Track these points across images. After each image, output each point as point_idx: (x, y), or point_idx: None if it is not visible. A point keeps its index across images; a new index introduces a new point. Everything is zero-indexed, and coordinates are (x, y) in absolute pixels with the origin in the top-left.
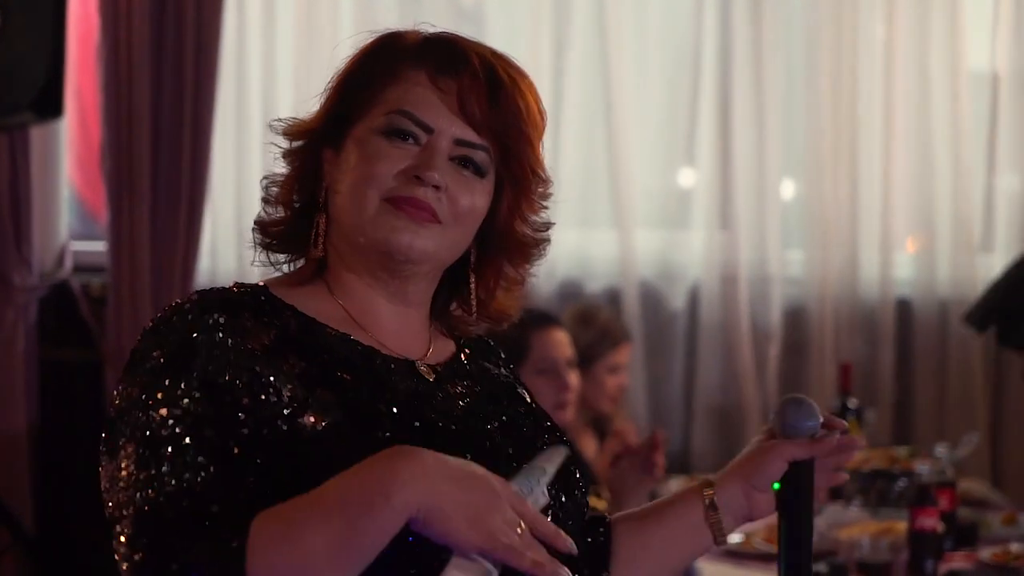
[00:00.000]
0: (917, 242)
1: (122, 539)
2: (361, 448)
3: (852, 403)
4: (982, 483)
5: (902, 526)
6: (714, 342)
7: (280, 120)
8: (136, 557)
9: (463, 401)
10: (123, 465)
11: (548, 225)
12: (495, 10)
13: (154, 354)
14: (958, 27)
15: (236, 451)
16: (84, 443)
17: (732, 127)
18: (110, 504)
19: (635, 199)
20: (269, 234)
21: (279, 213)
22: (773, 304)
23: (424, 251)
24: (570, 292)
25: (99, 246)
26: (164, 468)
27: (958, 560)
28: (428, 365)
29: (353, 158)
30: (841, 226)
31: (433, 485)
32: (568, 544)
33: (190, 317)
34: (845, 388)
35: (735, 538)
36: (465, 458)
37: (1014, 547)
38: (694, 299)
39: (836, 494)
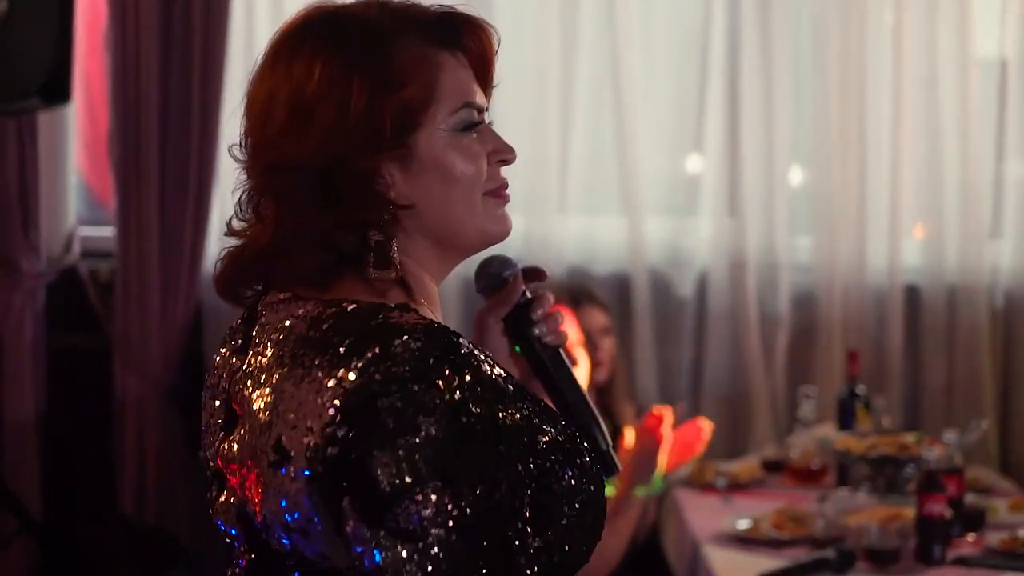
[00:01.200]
0: (926, 229)
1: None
2: (579, 448)
3: (860, 389)
4: (990, 469)
5: (910, 512)
6: (722, 329)
7: (290, 147)
8: None
9: None
10: (440, 548)
11: None
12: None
13: (428, 420)
14: (967, 13)
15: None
16: (91, 429)
17: (740, 114)
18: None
19: (643, 186)
20: (315, 272)
21: (327, 247)
22: (781, 291)
23: (511, 224)
24: (578, 278)
25: (107, 232)
26: (493, 551)
27: (966, 546)
28: None
29: (439, 166)
30: (849, 213)
31: None
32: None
33: (443, 368)
34: (853, 374)
35: (743, 523)
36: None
37: (1022, 533)
38: (703, 286)
39: (844, 480)
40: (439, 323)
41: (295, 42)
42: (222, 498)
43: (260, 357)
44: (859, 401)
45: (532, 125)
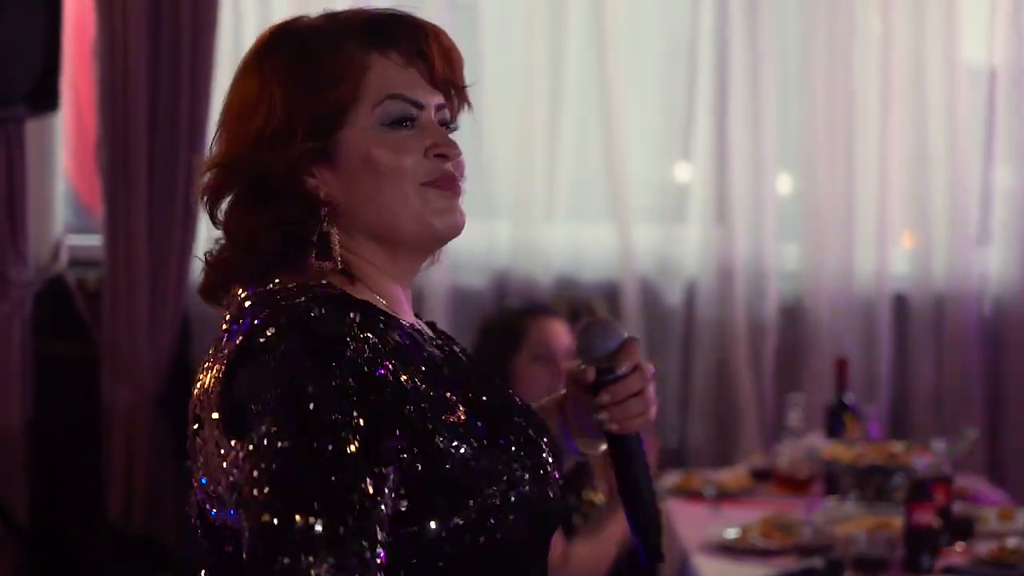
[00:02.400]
0: (913, 237)
1: (289, 559)
2: (512, 450)
3: (849, 398)
4: (979, 478)
5: (898, 521)
6: (710, 337)
7: (222, 161)
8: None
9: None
10: (272, 450)
11: None
12: (491, 3)
13: (293, 343)
14: (955, 20)
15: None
16: (79, 436)
17: (728, 122)
18: (253, 492)
19: (631, 194)
20: (253, 272)
21: (266, 251)
22: (769, 299)
23: (465, 221)
24: (566, 286)
25: (95, 240)
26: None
27: (955, 556)
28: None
29: (366, 161)
30: (837, 221)
31: None
32: None
33: (327, 318)
34: (842, 383)
35: (732, 533)
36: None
37: (1011, 542)
38: (691, 294)
39: (832, 489)
40: (347, 294)
41: (250, 57)
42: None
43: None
44: (848, 410)
45: (519, 133)
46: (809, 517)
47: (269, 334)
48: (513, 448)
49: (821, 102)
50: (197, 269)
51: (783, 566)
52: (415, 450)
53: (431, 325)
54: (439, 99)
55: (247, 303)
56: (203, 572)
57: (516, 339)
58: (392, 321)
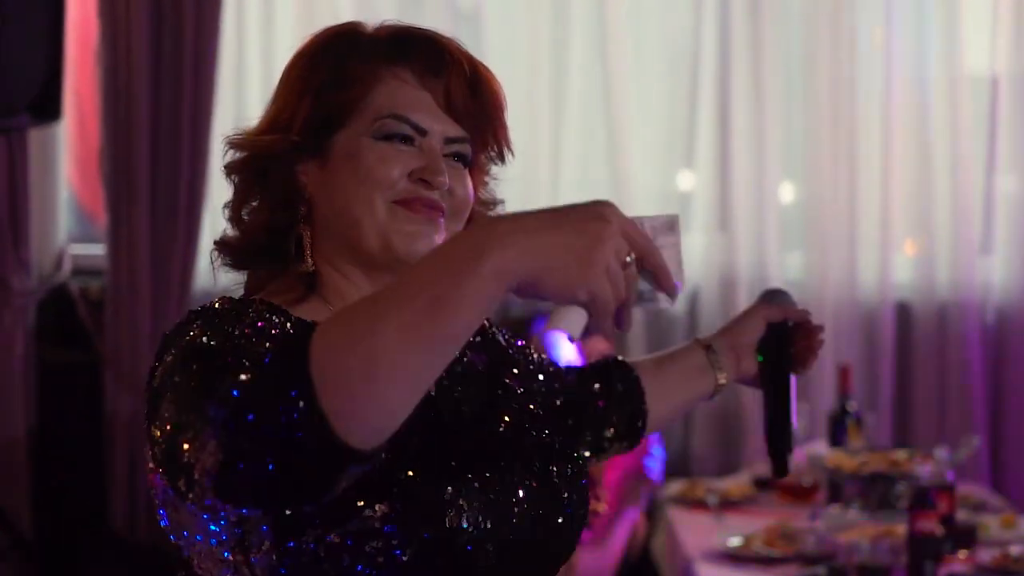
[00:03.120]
0: (916, 245)
1: (189, 444)
2: (412, 472)
3: (851, 406)
4: (981, 486)
5: (901, 529)
6: None
7: (235, 137)
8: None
9: (472, 405)
10: (175, 377)
11: (496, 202)
12: (494, 12)
13: (207, 332)
14: (957, 29)
15: None
16: (82, 446)
17: (731, 130)
18: (168, 428)
19: (635, 202)
20: (241, 254)
21: (250, 234)
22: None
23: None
24: None
25: (97, 249)
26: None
27: (957, 563)
28: None
29: (350, 165)
30: (840, 228)
31: (535, 237)
32: (673, 285)
33: (232, 315)
34: (844, 391)
35: (735, 541)
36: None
37: (1013, 550)
38: (694, 302)
39: (835, 497)
40: (264, 303)
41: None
42: None
43: None
44: (850, 417)
45: (523, 143)
46: (812, 525)
47: (180, 333)
48: (415, 474)
49: (824, 111)
50: (200, 278)
51: (786, 574)
52: None
53: None
54: (453, 130)
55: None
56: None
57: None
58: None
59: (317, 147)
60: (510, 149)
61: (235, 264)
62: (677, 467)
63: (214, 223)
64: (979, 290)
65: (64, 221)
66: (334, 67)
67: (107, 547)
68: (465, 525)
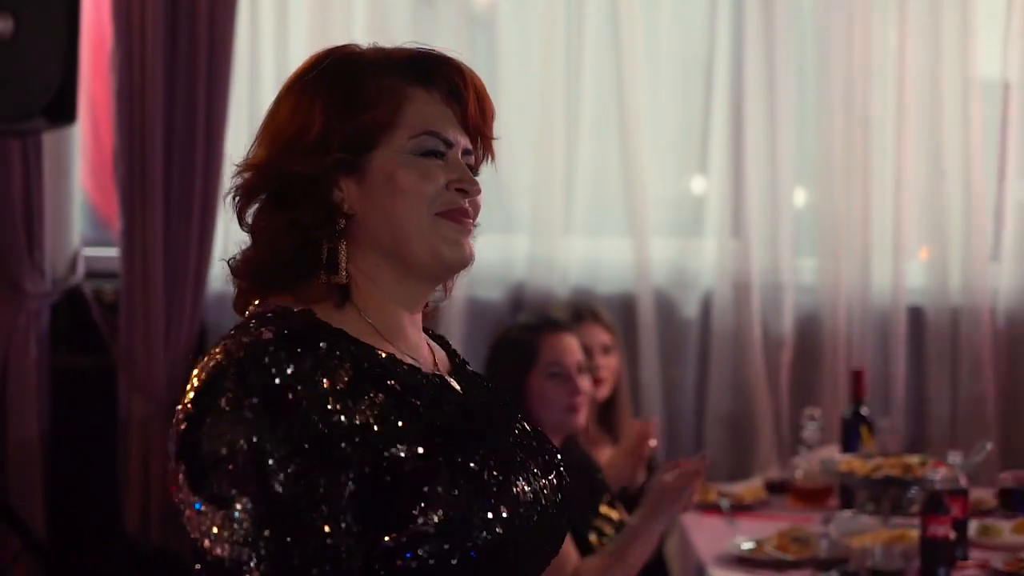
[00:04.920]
0: (929, 250)
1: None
2: (460, 473)
3: (864, 411)
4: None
5: (914, 534)
6: (726, 350)
7: (257, 160)
8: None
9: (490, 411)
10: (244, 524)
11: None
12: (508, 18)
13: (248, 402)
14: (969, 35)
15: (348, 496)
16: (96, 448)
17: (744, 135)
18: (215, 556)
19: (648, 207)
20: (272, 272)
21: (283, 252)
22: (785, 312)
23: (473, 256)
24: (582, 299)
25: (111, 252)
26: (296, 536)
27: (970, 568)
28: (446, 375)
29: (392, 182)
30: (853, 234)
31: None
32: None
33: (280, 358)
34: (857, 396)
35: (748, 545)
36: (546, 472)
37: None
38: (707, 306)
39: (848, 501)
40: (312, 324)
41: (295, 76)
42: None
43: None
44: (863, 422)
45: (537, 147)
46: (825, 529)
47: (227, 387)
48: (463, 483)
49: (837, 116)
50: (214, 281)
51: None
52: (358, 483)
53: (445, 346)
54: (467, 142)
55: (236, 324)
56: None
57: (529, 357)
58: (362, 352)
59: (355, 165)
60: (493, 158)
61: (264, 281)
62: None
63: (227, 226)
64: (991, 295)
65: (78, 224)
66: (361, 86)
67: (120, 550)
68: (500, 530)
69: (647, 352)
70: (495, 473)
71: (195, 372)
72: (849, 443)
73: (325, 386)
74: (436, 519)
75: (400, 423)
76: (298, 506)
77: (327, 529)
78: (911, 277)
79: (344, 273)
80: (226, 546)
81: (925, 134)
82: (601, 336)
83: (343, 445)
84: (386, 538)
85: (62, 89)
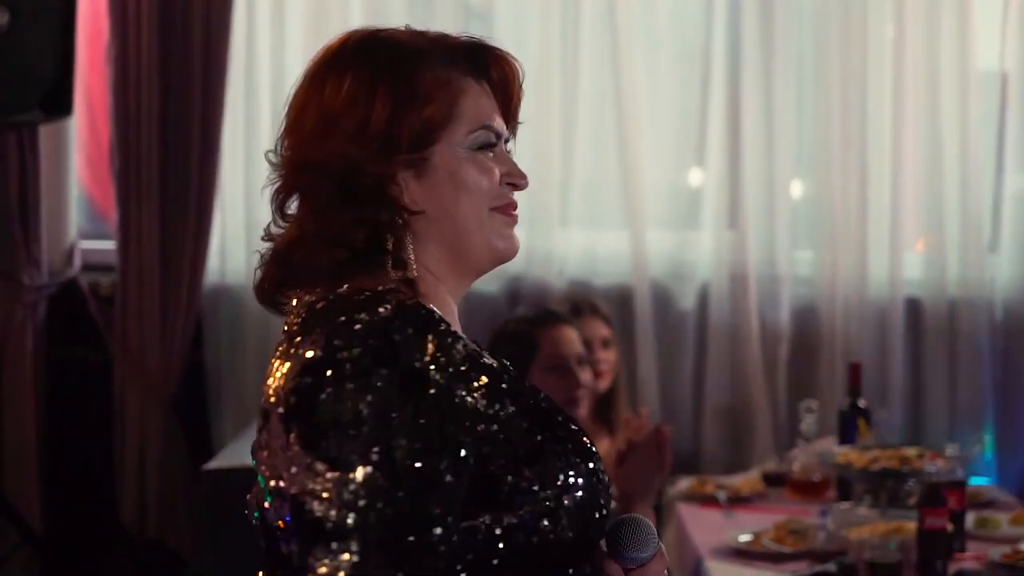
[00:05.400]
0: (927, 242)
1: (352, 558)
2: (557, 443)
3: (862, 403)
4: (991, 483)
5: (911, 526)
6: (724, 341)
7: (307, 164)
8: None
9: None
10: (359, 490)
11: None
12: (504, 9)
13: (378, 371)
14: (967, 27)
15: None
16: (92, 441)
17: (742, 127)
18: (318, 515)
19: (645, 199)
20: (337, 268)
21: (345, 247)
22: (782, 304)
23: (519, 247)
24: (579, 292)
25: (108, 245)
26: (406, 513)
27: (967, 560)
28: None
29: (453, 178)
30: (850, 226)
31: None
32: None
33: (407, 334)
34: (855, 388)
35: (745, 537)
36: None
37: None
38: (704, 298)
39: (845, 493)
40: (420, 303)
41: (331, 60)
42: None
43: (274, 353)
44: (861, 414)
45: (534, 139)
46: (822, 522)
47: (354, 354)
48: (567, 455)
49: (834, 108)
50: (210, 274)
51: (796, 571)
52: (476, 461)
53: None
54: (506, 131)
55: (319, 305)
56: (260, 573)
57: (529, 350)
58: (455, 335)
59: (416, 158)
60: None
61: (326, 275)
62: (686, 463)
63: (224, 219)
64: (988, 287)
65: (74, 216)
66: (420, 77)
67: (116, 542)
68: (602, 501)
69: (644, 344)
70: (570, 440)
71: (301, 351)
72: (846, 435)
73: (450, 367)
74: (551, 492)
75: (503, 402)
76: (417, 483)
77: (438, 512)
78: (909, 269)
79: (414, 269)
80: (333, 509)
81: (923, 126)
82: (600, 330)
83: (467, 424)
84: (512, 519)
85: (58, 82)
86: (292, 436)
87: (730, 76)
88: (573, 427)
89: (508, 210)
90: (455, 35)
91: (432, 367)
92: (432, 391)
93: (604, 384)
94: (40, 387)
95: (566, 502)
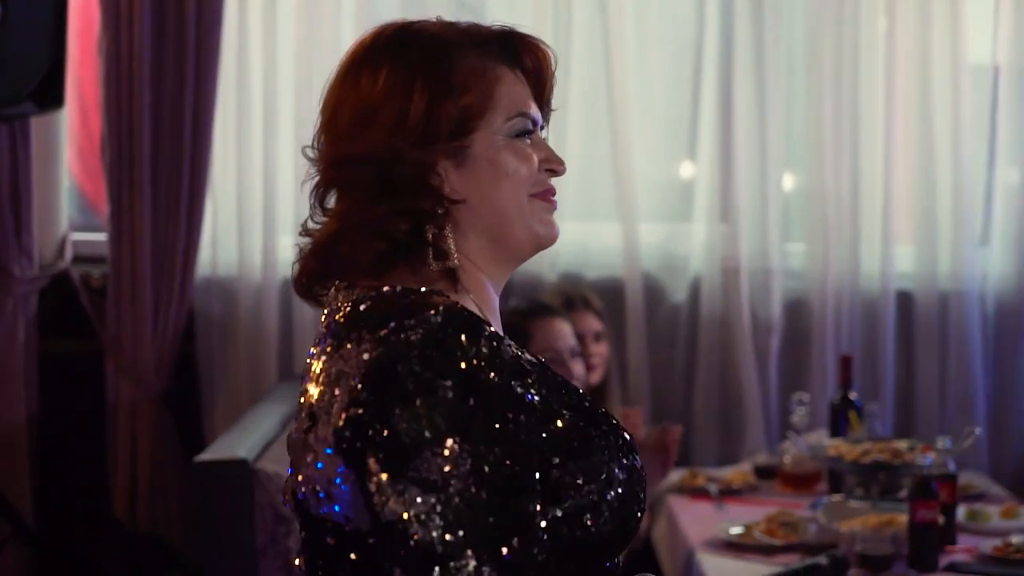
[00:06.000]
0: (917, 235)
1: (471, 571)
2: (600, 437)
3: (853, 395)
4: (982, 476)
5: (903, 518)
6: (715, 334)
7: (348, 158)
8: None
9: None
10: (459, 508)
11: None
12: (496, 5)
13: (442, 384)
14: (959, 19)
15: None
16: (84, 433)
17: (733, 120)
18: (421, 540)
19: (637, 192)
20: (378, 260)
21: (386, 239)
22: (774, 296)
23: (559, 234)
24: (571, 284)
25: (99, 237)
26: (510, 521)
27: (958, 553)
28: None
29: (492, 166)
30: (842, 219)
31: None
32: None
33: (461, 341)
34: (846, 381)
35: (736, 529)
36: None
37: (1015, 540)
38: (695, 291)
39: (837, 486)
40: (464, 307)
41: (365, 55)
42: (285, 479)
43: (315, 346)
44: (852, 407)
45: None
46: (813, 514)
47: (415, 369)
48: (610, 450)
49: (826, 101)
50: (202, 266)
51: (787, 563)
52: (528, 453)
53: None
54: (541, 117)
55: (364, 306)
56: (298, 560)
57: (521, 342)
58: (498, 335)
59: (455, 148)
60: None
61: (367, 268)
62: (678, 456)
63: (215, 211)
64: (980, 280)
65: (66, 209)
66: (456, 67)
67: (108, 534)
68: (642, 496)
69: (636, 337)
70: (613, 433)
71: (352, 356)
72: (838, 428)
73: (505, 368)
74: (597, 488)
75: (552, 398)
76: (510, 490)
77: (532, 510)
78: (900, 262)
79: (455, 258)
80: (437, 531)
81: (914, 119)
82: (592, 323)
83: (531, 422)
84: (558, 512)
85: (50, 74)
86: (371, 462)
87: (722, 69)
88: (613, 422)
89: (547, 196)
90: (486, 24)
91: (489, 369)
92: (494, 392)
93: (596, 378)
94: (31, 379)
95: (608, 496)
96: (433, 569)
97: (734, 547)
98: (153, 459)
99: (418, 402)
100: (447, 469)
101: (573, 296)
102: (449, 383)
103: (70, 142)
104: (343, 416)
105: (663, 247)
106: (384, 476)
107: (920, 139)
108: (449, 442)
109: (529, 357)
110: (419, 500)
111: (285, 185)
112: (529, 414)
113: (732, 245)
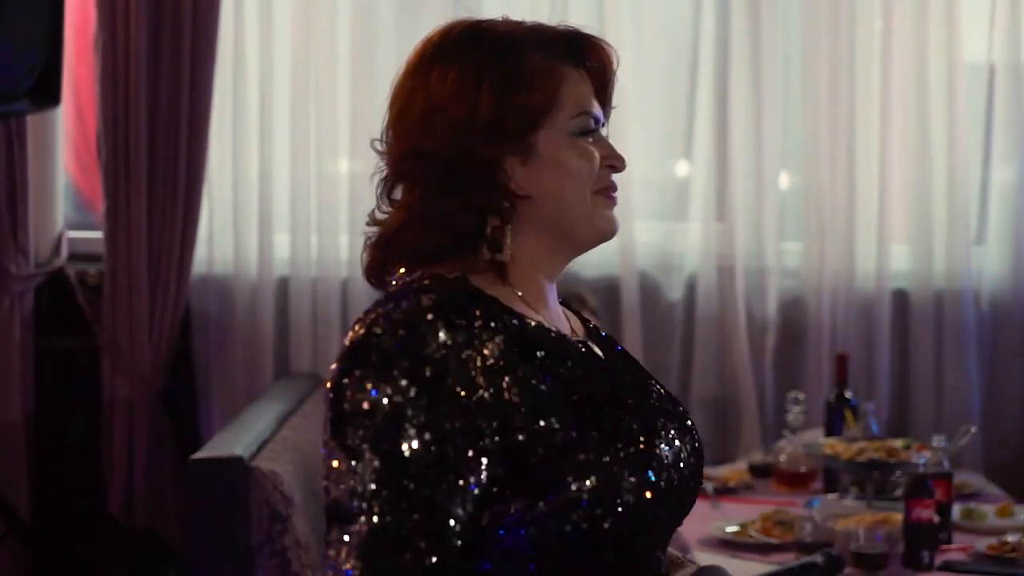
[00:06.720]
0: (913, 234)
1: (360, 539)
2: (610, 440)
3: (848, 394)
4: (977, 474)
5: (898, 517)
6: (711, 333)
7: (418, 154)
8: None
9: (628, 375)
10: (367, 477)
11: None
12: (493, 4)
13: (399, 363)
14: (955, 19)
15: (484, 473)
16: (80, 431)
17: (729, 119)
18: (333, 498)
19: (633, 190)
20: (434, 252)
21: (449, 232)
22: (770, 295)
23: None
24: (567, 282)
25: (95, 235)
26: (412, 504)
27: (954, 551)
28: (584, 341)
29: (557, 163)
30: (837, 218)
31: None
32: None
33: (436, 327)
34: (841, 379)
35: (731, 528)
36: (683, 435)
37: (1010, 538)
38: (691, 290)
39: (832, 484)
40: (465, 293)
41: (434, 52)
42: None
43: None
44: (847, 406)
45: None
46: (809, 513)
47: (383, 343)
48: (612, 449)
49: (822, 100)
50: (198, 264)
51: (783, 562)
52: (503, 449)
53: (576, 313)
54: (602, 116)
55: (390, 289)
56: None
57: None
58: (514, 321)
59: (521, 145)
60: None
61: (427, 258)
62: None
63: (212, 209)
64: (975, 280)
65: (61, 206)
66: (523, 66)
67: (105, 532)
68: (648, 495)
69: (631, 335)
70: (641, 438)
71: (353, 328)
72: (833, 426)
73: (476, 361)
74: (588, 485)
75: (549, 395)
76: (424, 475)
77: (444, 504)
78: (896, 261)
79: (508, 252)
80: (344, 494)
81: (911, 117)
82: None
83: (483, 423)
84: (540, 504)
85: (46, 72)
86: (327, 430)
87: (718, 67)
88: (637, 419)
89: (608, 192)
90: (552, 24)
91: (451, 359)
92: (452, 383)
93: None
94: (28, 377)
95: (604, 493)
96: (333, 527)
97: (730, 545)
98: (149, 456)
99: (370, 374)
100: (368, 441)
101: (569, 295)
102: (406, 363)
103: (66, 140)
104: (329, 406)
105: (659, 246)
106: (327, 436)
107: (916, 138)
108: (380, 417)
109: (546, 351)
110: (339, 463)
111: (281, 183)
112: (494, 410)
113: (728, 244)
